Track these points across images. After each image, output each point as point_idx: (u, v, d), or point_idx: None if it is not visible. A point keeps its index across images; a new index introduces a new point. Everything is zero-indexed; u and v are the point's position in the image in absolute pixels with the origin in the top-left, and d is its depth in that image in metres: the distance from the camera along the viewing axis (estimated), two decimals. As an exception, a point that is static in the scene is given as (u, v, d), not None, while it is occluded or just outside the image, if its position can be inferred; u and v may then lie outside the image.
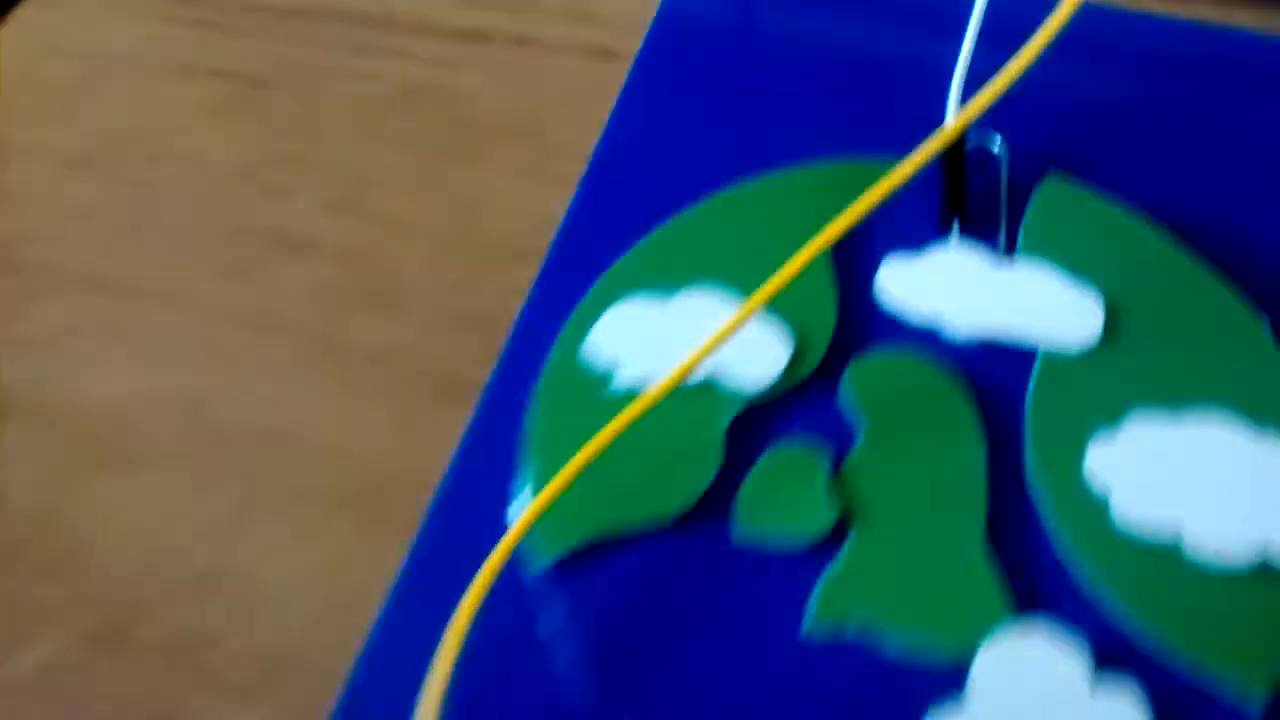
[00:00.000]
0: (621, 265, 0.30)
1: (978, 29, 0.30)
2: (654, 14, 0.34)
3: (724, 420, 0.27)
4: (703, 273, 0.29)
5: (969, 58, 0.30)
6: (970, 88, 0.32)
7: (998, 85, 0.27)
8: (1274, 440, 0.26)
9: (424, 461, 0.29)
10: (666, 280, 0.29)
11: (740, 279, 0.29)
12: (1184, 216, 0.31)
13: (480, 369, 0.30)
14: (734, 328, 0.27)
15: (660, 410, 0.27)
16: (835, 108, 0.33)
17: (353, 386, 0.29)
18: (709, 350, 0.26)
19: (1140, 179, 0.32)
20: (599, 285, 0.29)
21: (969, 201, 0.31)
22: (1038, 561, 0.26)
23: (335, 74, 0.34)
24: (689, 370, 0.26)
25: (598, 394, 0.28)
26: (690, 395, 0.28)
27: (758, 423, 0.28)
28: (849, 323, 0.29)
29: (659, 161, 0.32)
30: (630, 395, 0.27)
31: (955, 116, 0.29)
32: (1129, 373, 0.28)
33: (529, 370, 0.29)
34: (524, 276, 0.30)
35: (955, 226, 0.30)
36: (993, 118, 0.32)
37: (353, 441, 0.29)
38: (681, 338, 0.28)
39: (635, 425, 0.27)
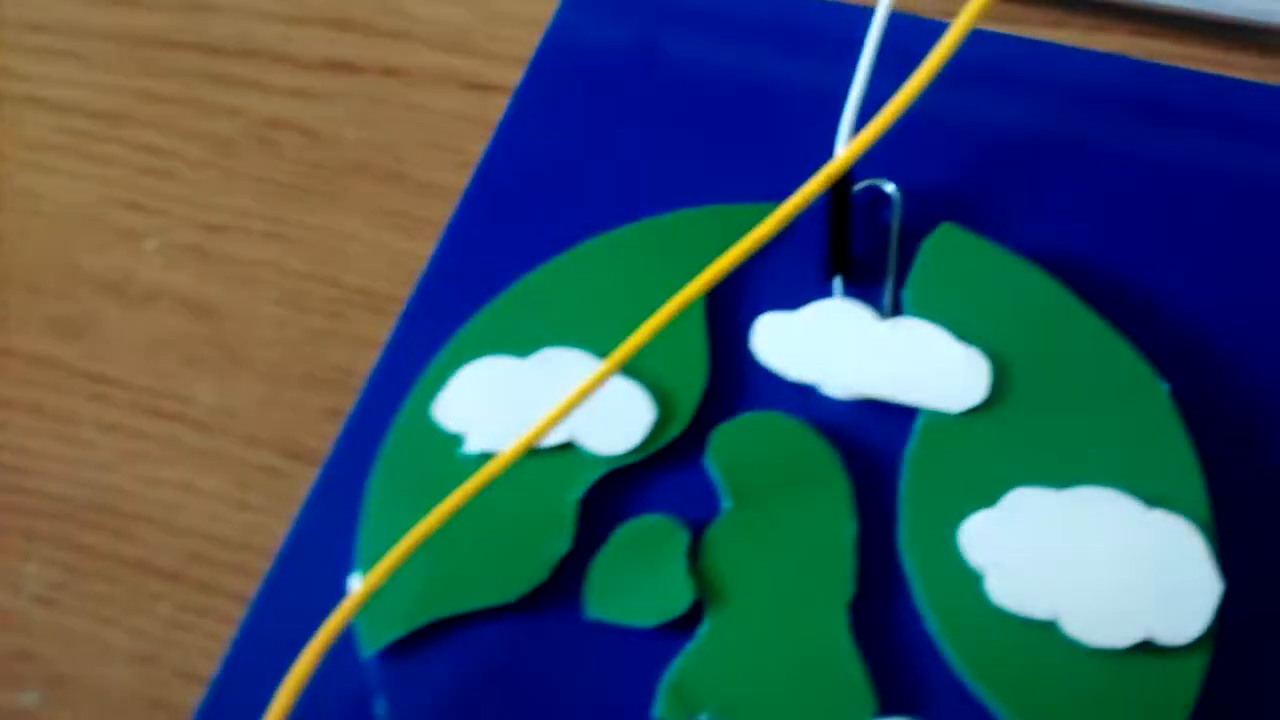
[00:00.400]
0: (480, 319, 0.28)
1: (870, 69, 0.29)
2: (537, 45, 0.32)
3: (579, 489, 0.26)
4: (565, 328, 0.27)
5: (860, 99, 0.29)
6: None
7: (880, 122, 0.25)
8: (1164, 515, 0.24)
9: (262, 531, 0.27)
10: (527, 336, 0.27)
11: (605, 335, 0.27)
12: (1089, 265, 0.29)
13: (328, 430, 0.28)
14: (591, 389, 0.25)
15: (510, 478, 0.25)
16: (719, 150, 0.31)
17: (187, 450, 0.27)
18: (561, 414, 0.25)
19: (1046, 223, 0.30)
20: (455, 341, 0.27)
21: (857, 251, 0.29)
22: (906, 646, 0.24)
23: (192, 108, 0.32)
24: (539, 436, 0.24)
25: (446, 460, 0.26)
26: (544, 462, 0.26)
27: (617, 491, 0.26)
28: (721, 383, 0.27)
29: (532, 205, 0.30)
30: (480, 461, 0.26)
31: (838, 157, 0.27)
32: (1015, 438, 0.26)
33: (378, 432, 0.27)
34: (381, 330, 0.28)
35: (839, 278, 0.29)
36: (890, 162, 0.31)
37: (185, 510, 0.27)
38: (540, 399, 0.26)
39: (482, 495, 0.25)
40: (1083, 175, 0.31)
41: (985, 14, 0.34)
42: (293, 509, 0.26)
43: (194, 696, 0.24)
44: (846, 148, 0.26)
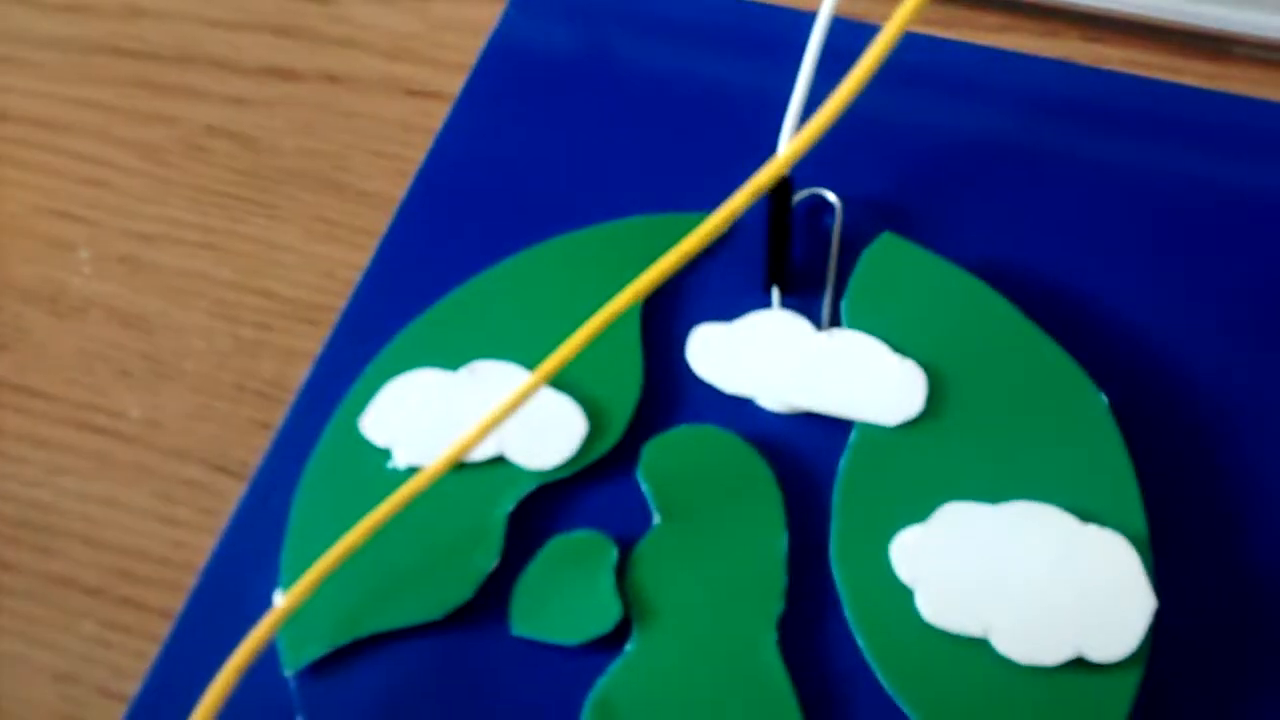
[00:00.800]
0: (411, 331, 0.27)
1: (812, 74, 0.28)
2: (480, 51, 0.32)
3: (508, 504, 0.25)
4: (498, 340, 0.27)
5: (801, 105, 0.28)
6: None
7: (812, 130, 0.25)
8: (1099, 530, 0.24)
9: (189, 547, 0.26)
10: (458, 348, 0.27)
11: (538, 347, 0.26)
12: (1033, 274, 0.29)
13: (258, 443, 0.27)
14: (518, 402, 0.24)
15: (438, 493, 0.25)
16: (662, 158, 0.31)
17: (115, 464, 0.27)
18: (487, 428, 0.24)
19: (991, 232, 0.29)
20: (384, 354, 0.27)
21: (800, 261, 0.29)
22: (837, 664, 0.24)
23: (128, 115, 0.32)
24: (464, 451, 0.24)
25: (373, 474, 0.26)
26: (473, 476, 0.25)
27: (548, 506, 0.25)
28: (656, 395, 0.27)
29: (470, 215, 0.30)
30: (408, 476, 0.25)
31: (769, 164, 0.27)
32: (950, 451, 0.26)
33: (308, 446, 0.26)
34: (313, 342, 0.28)
35: (777, 289, 0.28)
36: (835, 170, 0.31)
37: (111, 525, 0.26)
38: (469, 412, 0.25)
39: (409, 510, 0.24)
40: (1029, 182, 0.31)
41: (932, 19, 0.34)
42: (220, 524, 0.25)
43: (116, 715, 0.24)
44: (783, 153, 0.26)
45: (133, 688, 0.24)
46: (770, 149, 0.27)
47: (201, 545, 0.26)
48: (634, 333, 0.27)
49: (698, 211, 0.27)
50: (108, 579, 0.26)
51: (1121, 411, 0.26)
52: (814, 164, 0.29)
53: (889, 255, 0.28)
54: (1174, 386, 0.27)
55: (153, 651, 0.24)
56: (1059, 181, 0.30)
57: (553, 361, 0.24)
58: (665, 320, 0.28)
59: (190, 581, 0.25)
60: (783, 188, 0.29)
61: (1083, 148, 0.31)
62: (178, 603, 0.25)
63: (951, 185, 0.31)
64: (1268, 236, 0.29)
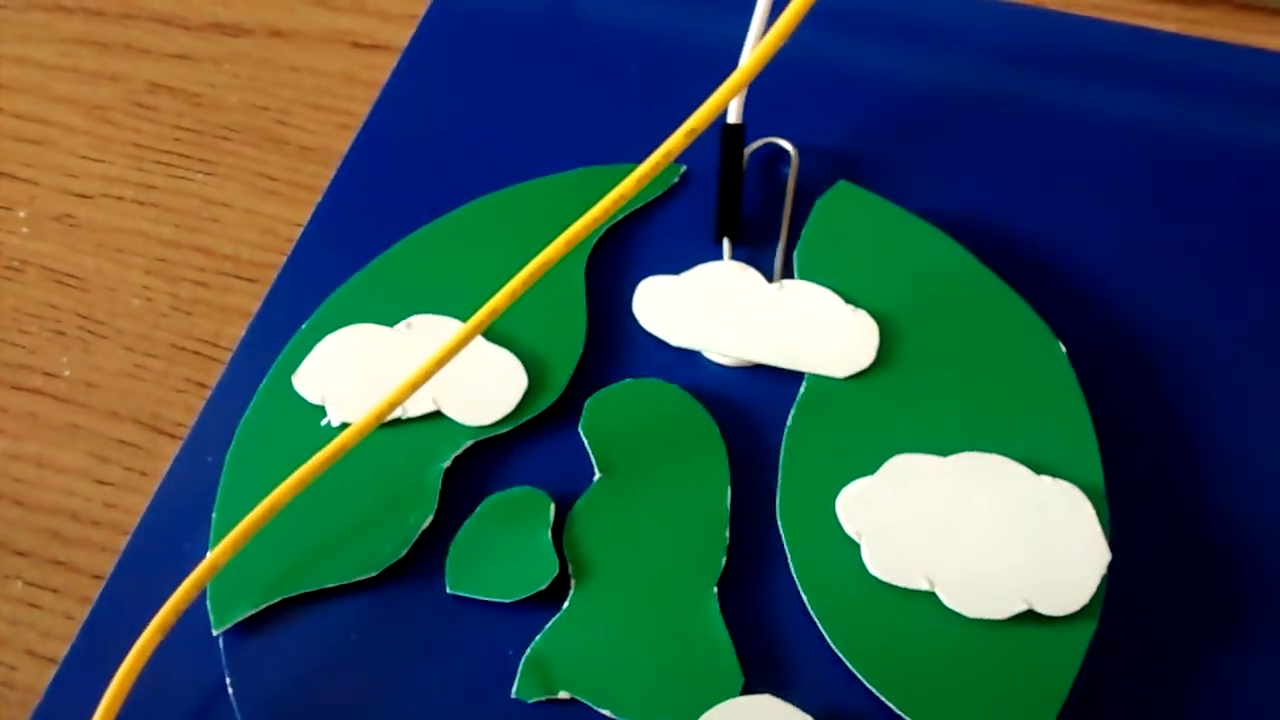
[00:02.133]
0: (349, 287, 0.26)
1: (764, 19, 0.27)
2: (428, 4, 0.31)
3: (443, 460, 0.24)
4: (437, 295, 0.26)
5: (755, 41, 0.27)
6: (762, 92, 0.29)
7: (746, 70, 0.24)
8: (1053, 481, 0.23)
9: (120, 507, 0.26)
10: (397, 304, 0.26)
11: (478, 301, 0.25)
12: (993, 223, 0.28)
13: (193, 403, 0.27)
14: (449, 356, 0.24)
15: (372, 449, 0.24)
16: (608, 113, 0.30)
17: (47, 424, 0.26)
18: (417, 383, 0.23)
19: (951, 180, 0.29)
20: (321, 310, 0.26)
21: (755, 212, 0.28)
22: (781, 620, 0.23)
23: (73, 74, 0.31)
24: (392, 406, 0.23)
25: (306, 432, 0.25)
26: (409, 432, 0.25)
27: (488, 462, 0.25)
28: (601, 350, 0.26)
29: (412, 169, 0.29)
30: (339, 433, 0.24)
31: (712, 102, 0.26)
32: (902, 403, 0.25)
33: (242, 405, 0.26)
34: (251, 300, 0.27)
35: (728, 240, 0.27)
36: (793, 120, 0.30)
37: (42, 486, 0.26)
38: (405, 368, 0.25)
39: (343, 467, 0.24)
40: (992, 130, 0.30)
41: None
42: (154, 485, 0.25)
43: (44, 677, 0.23)
44: (718, 93, 0.25)
45: (61, 649, 0.23)
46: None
47: (134, 506, 0.25)
48: (578, 285, 0.27)
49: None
50: (38, 540, 0.25)
51: (1081, 361, 0.25)
52: (771, 113, 0.29)
53: (844, 204, 0.28)
54: (1134, 336, 0.26)
55: (82, 613, 0.24)
56: (1022, 129, 0.30)
57: (485, 312, 0.24)
58: (612, 273, 0.27)
59: (122, 543, 0.24)
60: (734, 134, 0.28)
61: (1047, 95, 0.30)
62: (108, 564, 0.24)
63: (912, 134, 0.30)
64: (1233, 184, 0.28)
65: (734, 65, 0.26)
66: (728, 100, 0.24)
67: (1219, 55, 0.30)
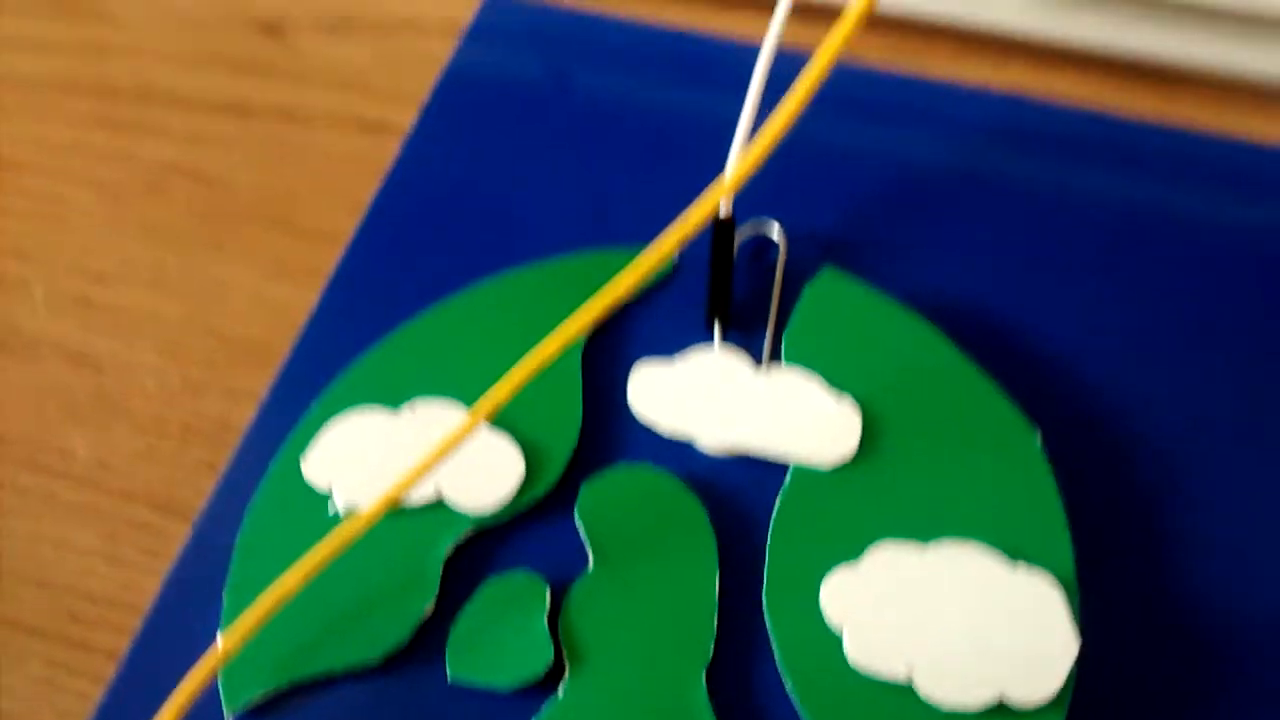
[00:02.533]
0: (355, 370, 0.27)
1: (755, 107, 0.28)
2: (433, 85, 0.32)
3: (444, 548, 0.25)
4: (441, 379, 0.27)
5: (745, 137, 0.28)
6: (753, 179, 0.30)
7: (747, 162, 0.25)
8: (1027, 571, 0.24)
9: (135, 588, 0.27)
10: (402, 387, 0.27)
11: (481, 386, 0.26)
12: (977, 309, 0.29)
13: (205, 484, 0.28)
14: (453, 444, 0.25)
15: (375, 536, 0.25)
16: (612, 192, 0.31)
17: (63, 504, 0.27)
18: (423, 470, 0.25)
19: (936, 265, 0.30)
20: (328, 393, 0.27)
21: (745, 294, 0.29)
22: (767, 709, 0.24)
23: (86, 153, 0.32)
24: (399, 494, 0.24)
25: (314, 517, 0.26)
26: (411, 519, 0.26)
27: (486, 548, 0.26)
28: (596, 435, 0.27)
29: (419, 251, 0.30)
30: (346, 518, 0.26)
31: (705, 201, 0.27)
32: (884, 492, 0.26)
33: (252, 487, 0.27)
34: (261, 382, 0.28)
35: (719, 325, 0.29)
36: (783, 202, 0.31)
37: (59, 565, 0.27)
38: (409, 453, 0.26)
39: (346, 553, 0.25)
40: (976, 215, 0.31)
41: (882, 49, 0.34)
42: (166, 565, 0.26)
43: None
44: (712, 193, 0.26)
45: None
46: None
47: (148, 587, 0.26)
48: (574, 371, 0.28)
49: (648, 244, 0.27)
50: (55, 620, 0.26)
51: (1056, 449, 0.26)
52: (761, 196, 0.30)
53: (830, 291, 0.29)
54: (1111, 424, 0.27)
55: (98, 693, 0.25)
56: (1005, 213, 0.31)
57: (488, 402, 0.25)
58: (608, 358, 0.28)
59: (136, 623, 0.25)
60: (724, 228, 0.29)
61: (1029, 181, 0.31)
62: (124, 644, 0.25)
63: (898, 218, 0.31)
64: (1209, 271, 0.30)
65: (731, 135, 0.27)
66: (715, 205, 0.25)
67: (1193, 143, 0.32)
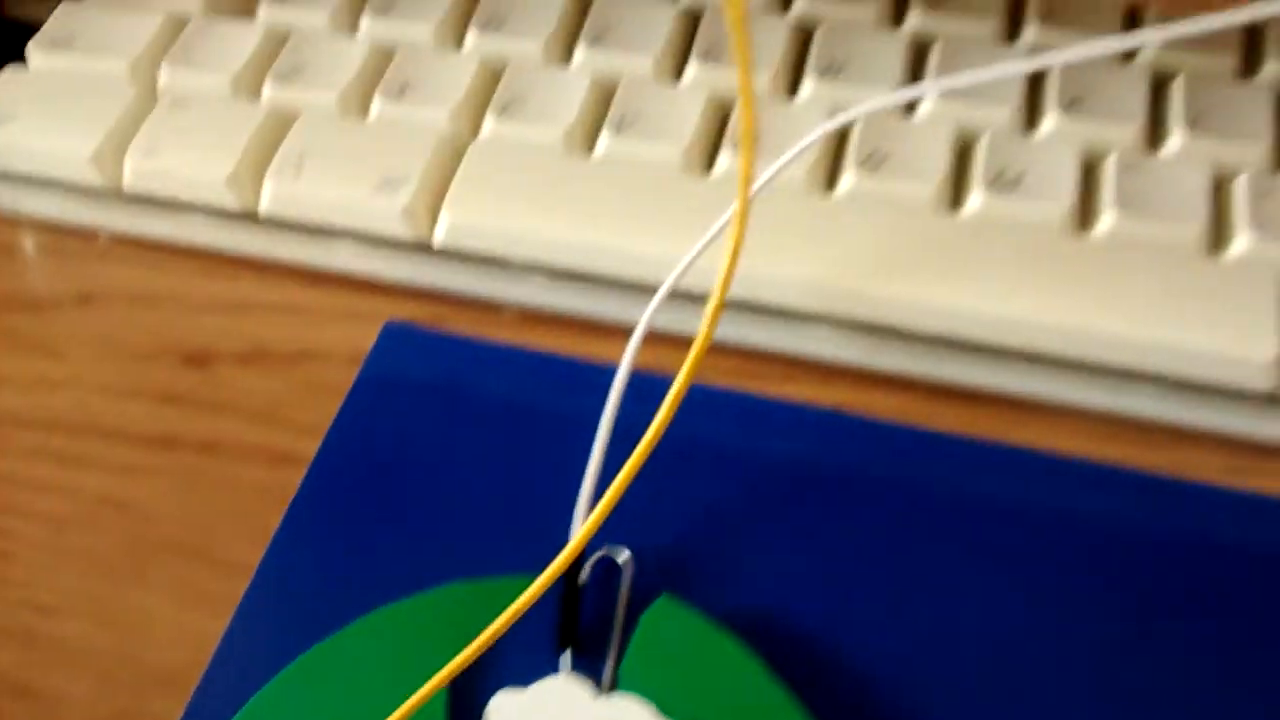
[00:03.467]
0: (251, 707, 0.32)
1: (605, 446, 0.34)
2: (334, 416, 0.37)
3: None
4: (323, 714, 0.32)
5: (598, 470, 0.34)
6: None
7: (605, 504, 0.31)
8: None
9: None
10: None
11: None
12: (819, 634, 0.33)
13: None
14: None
15: None
16: (494, 520, 0.36)
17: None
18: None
19: (777, 587, 0.34)
20: (225, 733, 0.32)
21: (593, 621, 0.34)
22: None
23: (35, 487, 0.37)
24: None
25: None
26: None
27: None
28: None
29: (318, 580, 0.35)
30: None
31: (572, 541, 0.32)
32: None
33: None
34: (175, 709, 0.33)
35: (568, 652, 0.33)
36: (631, 526, 0.36)
37: None
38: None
39: None
40: (813, 537, 0.35)
41: (722, 369, 0.39)
42: None
43: None
44: (576, 533, 0.31)
45: None
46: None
47: None
48: (441, 701, 0.32)
49: (522, 573, 0.32)
50: None
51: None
52: (614, 519, 0.35)
53: (665, 619, 0.34)
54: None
55: None
56: (838, 536, 0.35)
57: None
58: (470, 688, 0.33)
59: None
60: (572, 564, 0.34)
61: (855, 492, 0.36)
62: None
63: (739, 538, 0.36)
64: (1038, 596, 0.34)
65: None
66: (570, 561, 0.30)
67: (993, 452, 0.37)
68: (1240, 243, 0.38)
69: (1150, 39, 0.35)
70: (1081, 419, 0.38)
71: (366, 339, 0.39)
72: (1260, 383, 0.36)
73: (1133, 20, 0.44)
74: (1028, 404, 0.38)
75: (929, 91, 0.40)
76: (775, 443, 0.37)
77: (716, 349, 0.39)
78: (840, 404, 0.38)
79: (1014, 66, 0.35)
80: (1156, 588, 0.34)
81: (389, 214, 0.39)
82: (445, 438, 0.38)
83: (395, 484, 0.37)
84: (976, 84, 0.40)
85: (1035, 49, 0.42)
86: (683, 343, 0.35)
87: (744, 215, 0.33)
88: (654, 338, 0.39)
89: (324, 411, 0.38)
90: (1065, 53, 0.38)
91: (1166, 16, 0.43)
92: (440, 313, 0.41)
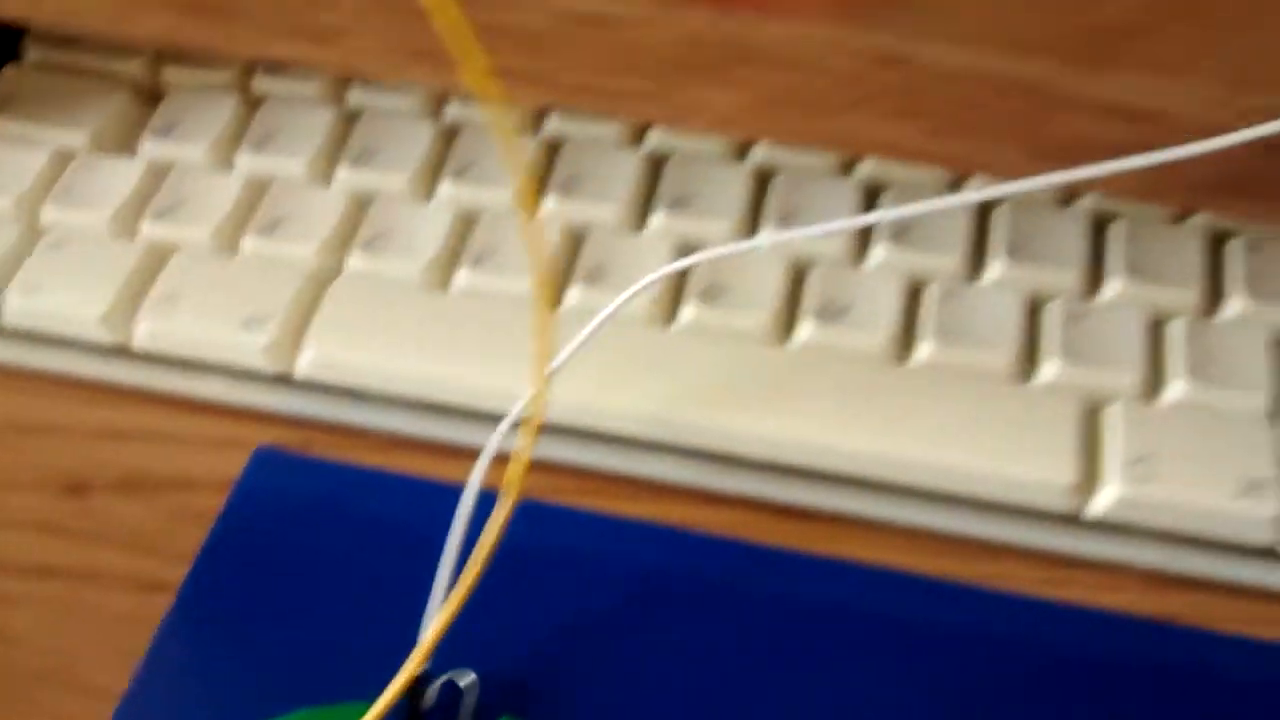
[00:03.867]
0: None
1: (452, 567, 0.36)
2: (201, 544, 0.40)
3: None
4: None
5: (444, 592, 0.36)
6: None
7: (435, 631, 0.33)
8: None
9: None
10: None
11: None
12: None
13: None
14: None
15: None
16: (347, 647, 0.38)
17: None
18: None
19: (611, 705, 0.36)
20: None
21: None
22: None
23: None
24: None
25: None
26: None
27: None
28: None
29: (176, 711, 0.37)
30: None
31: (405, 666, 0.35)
32: None
33: None
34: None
35: (409, 779, 0.36)
36: (484, 647, 0.38)
37: None
38: None
39: None
40: (655, 652, 0.37)
41: (572, 491, 0.42)
42: None
43: None
44: (410, 660, 0.34)
45: None
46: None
47: None
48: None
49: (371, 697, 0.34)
50: None
51: None
52: (457, 640, 0.37)
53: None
54: None
55: None
56: (681, 649, 0.37)
57: None
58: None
59: None
60: (417, 681, 0.37)
61: (700, 614, 0.38)
62: None
63: (582, 655, 0.38)
64: (869, 699, 0.36)
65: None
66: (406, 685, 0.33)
67: (836, 568, 0.39)
68: (1048, 369, 0.41)
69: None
70: (904, 535, 0.40)
71: (239, 465, 0.42)
72: (1061, 504, 0.39)
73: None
74: (853, 521, 0.40)
75: (766, 240, 0.43)
76: (619, 560, 0.40)
77: (566, 471, 0.42)
78: (680, 522, 0.41)
79: (847, 202, 0.39)
80: (969, 689, 0.37)
81: (253, 350, 0.42)
82: (308, 561, 0.40)
83: (257, 608, 0.39)
84: (812, 216, 0.43)
85: (868, 183, 0.45)
86: (535, 465, 0.37)
87: (543, 394, 0.36)
88: (504, 459, 0.41)
89: (196, 538, 0.40)
90: (893, 191, 0.42)
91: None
92: (309, 437, 0.43)
